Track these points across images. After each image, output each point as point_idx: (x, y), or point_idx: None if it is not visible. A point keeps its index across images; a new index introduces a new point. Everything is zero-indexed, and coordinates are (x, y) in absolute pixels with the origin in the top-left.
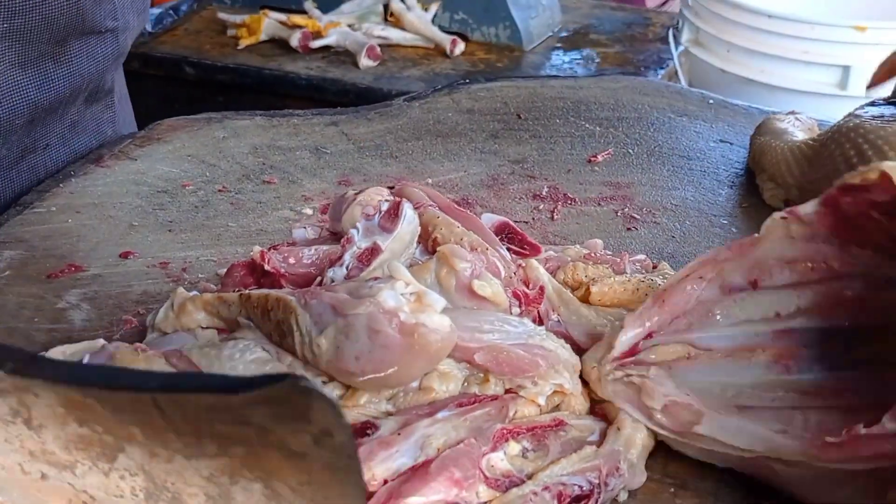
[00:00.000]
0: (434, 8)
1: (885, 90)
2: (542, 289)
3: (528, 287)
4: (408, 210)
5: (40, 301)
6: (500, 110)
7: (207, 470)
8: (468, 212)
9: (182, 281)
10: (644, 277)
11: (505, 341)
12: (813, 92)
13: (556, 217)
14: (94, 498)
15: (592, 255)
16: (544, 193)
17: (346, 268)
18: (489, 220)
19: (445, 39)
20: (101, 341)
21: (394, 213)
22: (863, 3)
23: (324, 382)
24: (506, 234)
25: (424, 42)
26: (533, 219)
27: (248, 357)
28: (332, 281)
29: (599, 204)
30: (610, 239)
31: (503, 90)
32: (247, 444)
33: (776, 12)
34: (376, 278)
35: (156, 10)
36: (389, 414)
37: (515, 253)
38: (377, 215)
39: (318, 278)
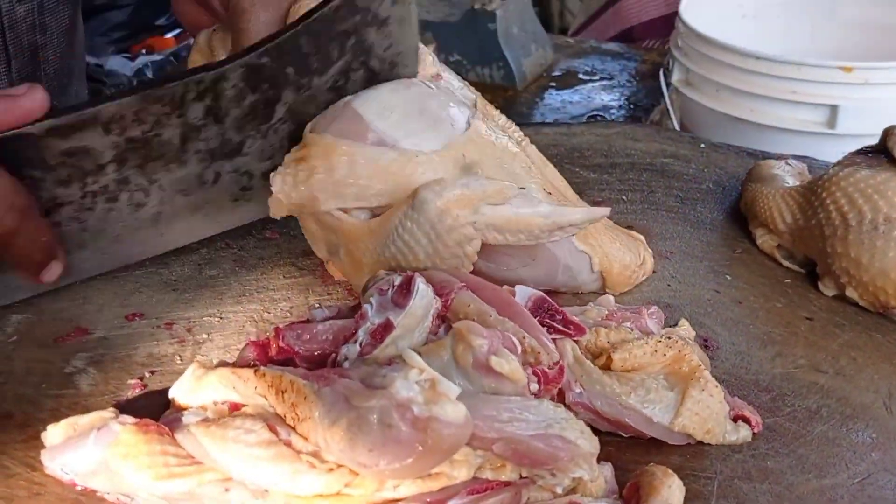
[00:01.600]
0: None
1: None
2: (561, 368)
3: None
4: (420, 285)
5: (48, 366)
6: None
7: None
8: (503, 291)
9: (186, 342)
10: (661, 338)
11: (524, 432)
12: (802, 131)
13: None
14: None
15: (613, 315)
16: None
17: (360, 344)
18: (524, 294)
19: None
20: (110, 413)
21: (406, 289)
22: (849, 42)
23: None
24: (545, 310)
25: None
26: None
27: (253, 440)
28: (346, 358)
29: None
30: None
31: None
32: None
33: (764, 54)
34: (390, 362)
35: (157, 58)
36: (397, 501)
37: (557, 332)
38: (390, 290)
39: (333, 355)
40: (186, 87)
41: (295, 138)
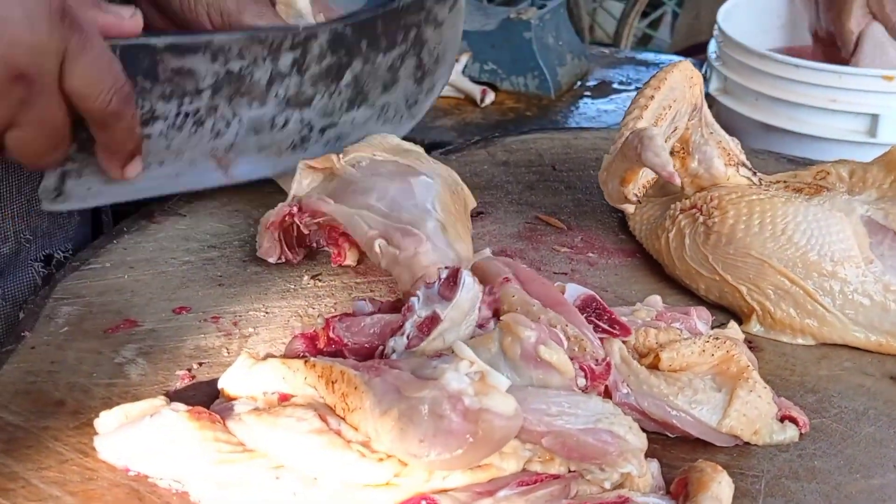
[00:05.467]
0: (464, 59)
1: None
2: (608, 364)
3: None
4: (466, 278)
5: (98, 356)
6: (535, 162)
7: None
8: (553, 286)
9: (233, 335)
10: (709, 338)
11: (573, 426)
12: (842, 140)
13: (594, 268)
14: None
15: (663, 315)
16: (580, 244)
17: (407, 337)
18: (574, 292)
19: (475, 90)
20: (161, 401)
21: (452, 282)
22: None
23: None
24: (593, 309)
25: (455, 92)
26: (571, 270)
27: (305, 428)
28: (394, 351)
29: (636, 255)
30: (647, 289)
31: (537, 142)
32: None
33: (803, 62)
34: (440, 355)
35: None
36: (446, 491)
37: (604, 332)
38: (437, 283)
39: (380, 347)
40: (284, 35)
41: (352, 104)
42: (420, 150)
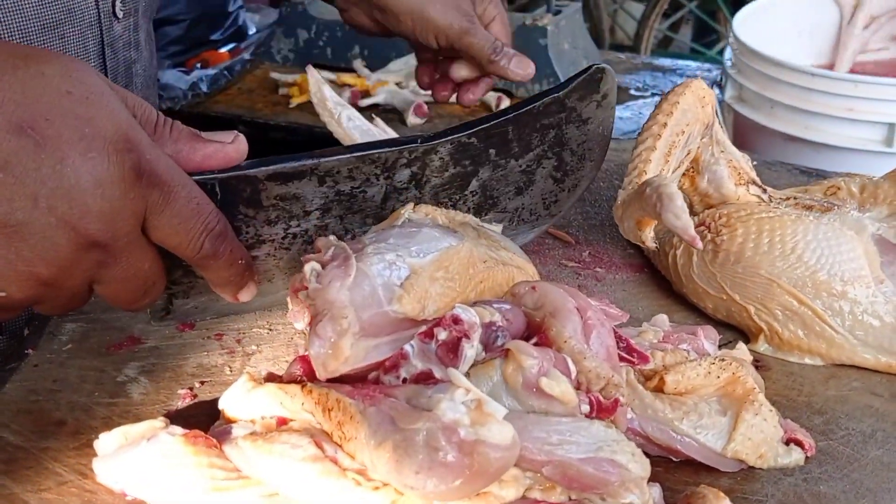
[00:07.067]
0: None
1: None
2: (616, 401)
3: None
4: (468, 352)
5: (100, 374)
6: None
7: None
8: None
9: (236, 353)
10: (715, 359)
11: (574, 455)
12: (858, 149)
13: (602, 283)
14: None
15: (670, 336)
16: (588, 259)
17: (401, 380)
18: None
19: (491, 96)
20: (161, 422)
21: (452, 350)
22: None
23: None
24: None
25: None
26: (579, 285)
27: (300, 455)
28: (390, 381)
29: (644, 270)
30: (655, 305)
31: None
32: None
33: (820, 70)
34: (436, 381)
35: (211, 71)
36: None
37: (622, 361)
38: (433, 342)
39: (376, 374)
40: (400, 154)
41: (480, 210)
42: (494, 231)
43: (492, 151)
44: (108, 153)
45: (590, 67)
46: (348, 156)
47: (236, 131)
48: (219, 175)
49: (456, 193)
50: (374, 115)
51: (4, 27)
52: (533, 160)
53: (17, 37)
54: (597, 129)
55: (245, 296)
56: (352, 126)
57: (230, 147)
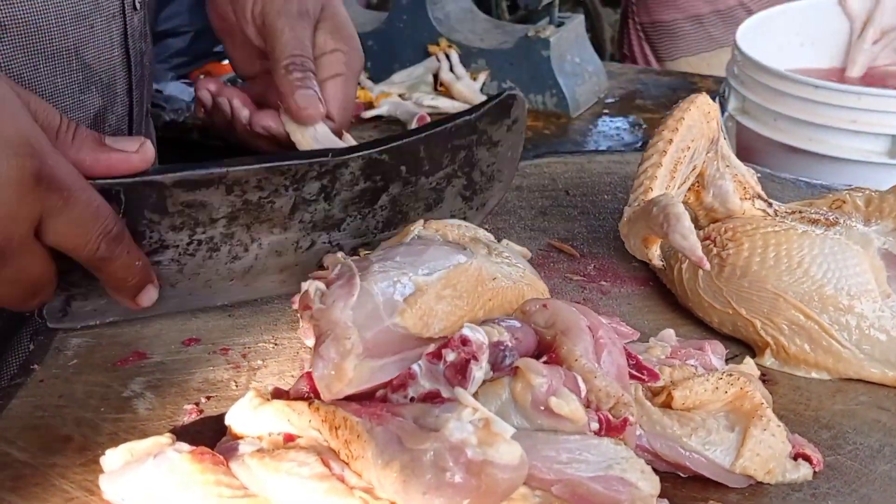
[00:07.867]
0: (482, 77)
1: None
2: (625, 420)
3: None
4: (476, 374)
5: (106, 390)
6: (549, 187)
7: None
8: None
9: (242, 368)
10: (723, 374)
11: (584, 473)
12: (862, 161)
13: (607, 297)
14: None
15: (677, 352)
16: (593, 272)
17: (409, 399)
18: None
19: (411, 115)
20: (167, 438)
21: (461, 371)
22: None
23: None
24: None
25: None
26: (584, 299)
27: (307, 473)
28: (397, 400)
29: (649, 283)
30: (660, 319)
31: (550, 166)
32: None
33: (823, 82)
34: (444, 400)
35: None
36: None
37: (632, 378)
38: (441, 363)
39: (383, 392)
40: (310, 167)
41: (389, 224)
42: (506, 248)
43: (402, 168)
44: (8, 157)
45: (502, 93)
46: (257, 166)
47: (143, 138)
48: (125, 180)
49: (366, 207)
50: (344, 132)
51: (43, 17)
52: (443, 178)
53: (55, 26)
54: (506, 152)
55: (144, 300)
56: (316, 137)
57: (135, 157)
